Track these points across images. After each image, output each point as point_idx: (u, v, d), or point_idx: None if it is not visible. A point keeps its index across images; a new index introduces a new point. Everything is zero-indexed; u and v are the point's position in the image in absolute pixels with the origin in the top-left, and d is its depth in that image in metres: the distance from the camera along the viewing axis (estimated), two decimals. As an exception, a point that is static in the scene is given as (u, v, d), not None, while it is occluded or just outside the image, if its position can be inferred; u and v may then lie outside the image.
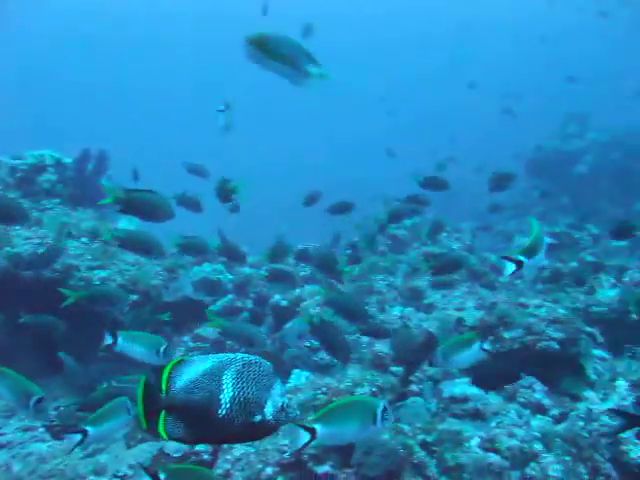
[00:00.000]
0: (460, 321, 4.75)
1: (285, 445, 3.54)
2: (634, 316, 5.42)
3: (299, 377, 4.67)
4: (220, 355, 1.69)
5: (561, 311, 4.59)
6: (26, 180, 6.10)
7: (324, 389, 3.86)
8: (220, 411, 1.61)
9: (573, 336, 4.44)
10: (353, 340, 5.47)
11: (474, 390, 4.11)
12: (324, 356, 5.31)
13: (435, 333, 4.68)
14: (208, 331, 5.75)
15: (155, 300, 5.37)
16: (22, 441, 4.30)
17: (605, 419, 3.65)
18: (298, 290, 6.66)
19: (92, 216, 5.86)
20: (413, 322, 4.91)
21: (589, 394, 4.05)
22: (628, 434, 3.59)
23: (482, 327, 4.61)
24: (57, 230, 5.09)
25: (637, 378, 4.01)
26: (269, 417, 1.63)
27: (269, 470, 3.51)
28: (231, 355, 1.67)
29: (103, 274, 5.03)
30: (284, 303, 6.32)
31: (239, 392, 1.62)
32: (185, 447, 4.20)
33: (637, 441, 3.56)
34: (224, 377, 1.62)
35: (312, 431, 2.39)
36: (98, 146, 7.06)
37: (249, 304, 6.32)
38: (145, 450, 4.20)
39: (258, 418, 1.62)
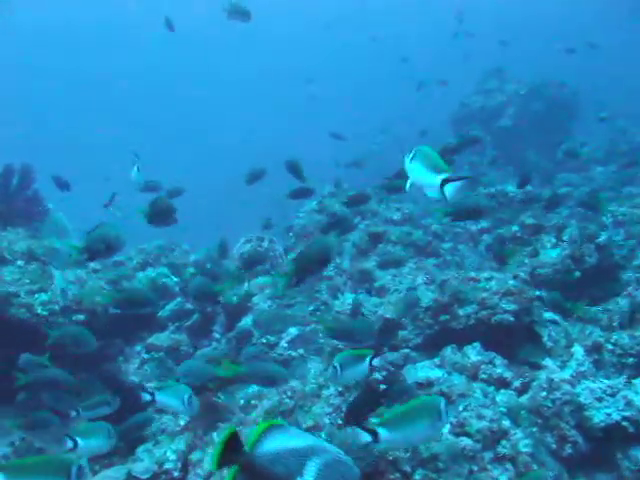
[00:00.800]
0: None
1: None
2: (577, 274, 5.58)
3: (262, 380, 4.60)
4: (316, 440, 1.59)
5: (511, 282, 4.66)
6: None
7: (289, 393, 3.82)
8: None
9: (526, 306, 4.53)
10: (311, 330, 5.45)
11: (437, 372, 4.15)
12: (282, 352, 5.27)
13: (394, 317, 4.71)
14: (161, 339, 5.61)
15: (101, 317, 5.19)
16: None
17: (566, 387, 3.73)
18: (246, 284, 6.56)
19: (24, 235, 5.57)
20: (367, 308, 4.91)
21: (547, 362, 4.13)
22: (589, 399, 3.69)
23: (437, 307, 4.65)
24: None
25: (592, 342, 4.12)
26: None
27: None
28: (326, 445, 1.57)
29: (44, 297, 4.81)
30: (234, 300, 6.22)
31: None
32: (154, 468, 4.11)
33: (599, 405, 3.67)
34: (310, 463, 1.51)
35: (374, 434, 2.39)
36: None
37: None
38: (112, 477, 4.09)
39: None
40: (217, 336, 5.95)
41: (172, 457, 4.15)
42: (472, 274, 4.84)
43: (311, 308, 5.85)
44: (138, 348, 5.69)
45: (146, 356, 5.36)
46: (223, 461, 1.58)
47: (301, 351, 5.24)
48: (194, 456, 4.14)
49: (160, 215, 3.82)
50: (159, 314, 6.00)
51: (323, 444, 1.58)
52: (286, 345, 5.31)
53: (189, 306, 6.09)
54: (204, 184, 21.29)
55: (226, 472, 1.62)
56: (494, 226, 8.12)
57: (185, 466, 4.14)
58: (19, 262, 5.06)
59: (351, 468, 1.56)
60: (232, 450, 1.58)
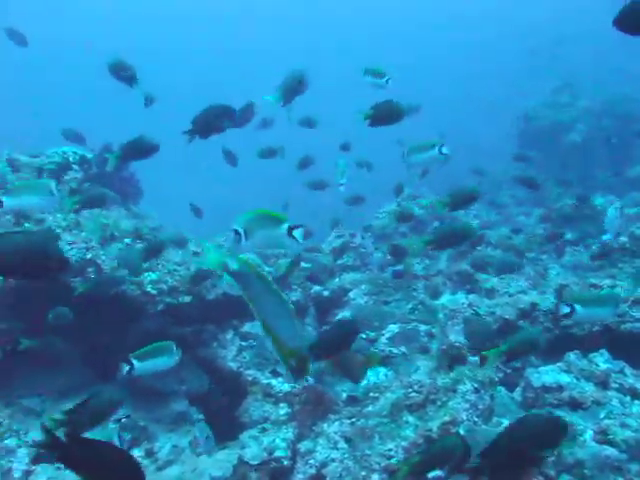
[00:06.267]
0: (534, 306, 4.61)
1: (390, 449, 3.38)
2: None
3: (377, 373, 4.50)
4: None
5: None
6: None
7: (416, 387, 3.69)
8: None
9: (656, 315, 4.34)
10: (411, 329, 5.34)
11: (565, 377, 3.98)
12: (383, 348, 5.16)
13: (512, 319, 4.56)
14: (255, 327, 5.54)
15: (204, 301, 5.13)
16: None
17: None
18: (337, 279, 6.48)
19: (126, 214, 5.57)
20: (482, 309, 4.75)
21: (684, 376, 3.93)
22: None
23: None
24: (100, 232, 4.82)
25: None
26: None
27: (376, 477, 3.34)
28: None
29: (153, 276, 4.78)
30: (326, 294, 6.15)
31: None
32: (264, 455, 4.03)
33: None
34: None
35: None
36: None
37: (293, 296, 6.08)
38: (224, 460, 4.03)
39: None
40: (310, 329, 5.86)
41: (282, 445, 4.06)
42: (593, 281, 4.67)
43: (409, 306, 5.73)
44: (229, 336, 5.62)
45: (244, 343, 5.29)
46: None
47: (403, 349, 5.11)
48: (303, 446, 4.04)
49: None
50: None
51: None
52: (386, 341, 5.19)
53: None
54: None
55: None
56: (581, 237, 7.95)
57: (294, 455, 4.06)
58: (127, 240, 5.05)
59: None
60: None
